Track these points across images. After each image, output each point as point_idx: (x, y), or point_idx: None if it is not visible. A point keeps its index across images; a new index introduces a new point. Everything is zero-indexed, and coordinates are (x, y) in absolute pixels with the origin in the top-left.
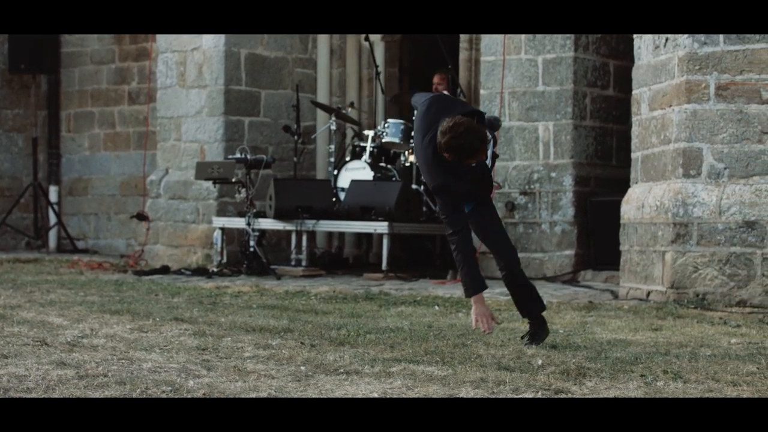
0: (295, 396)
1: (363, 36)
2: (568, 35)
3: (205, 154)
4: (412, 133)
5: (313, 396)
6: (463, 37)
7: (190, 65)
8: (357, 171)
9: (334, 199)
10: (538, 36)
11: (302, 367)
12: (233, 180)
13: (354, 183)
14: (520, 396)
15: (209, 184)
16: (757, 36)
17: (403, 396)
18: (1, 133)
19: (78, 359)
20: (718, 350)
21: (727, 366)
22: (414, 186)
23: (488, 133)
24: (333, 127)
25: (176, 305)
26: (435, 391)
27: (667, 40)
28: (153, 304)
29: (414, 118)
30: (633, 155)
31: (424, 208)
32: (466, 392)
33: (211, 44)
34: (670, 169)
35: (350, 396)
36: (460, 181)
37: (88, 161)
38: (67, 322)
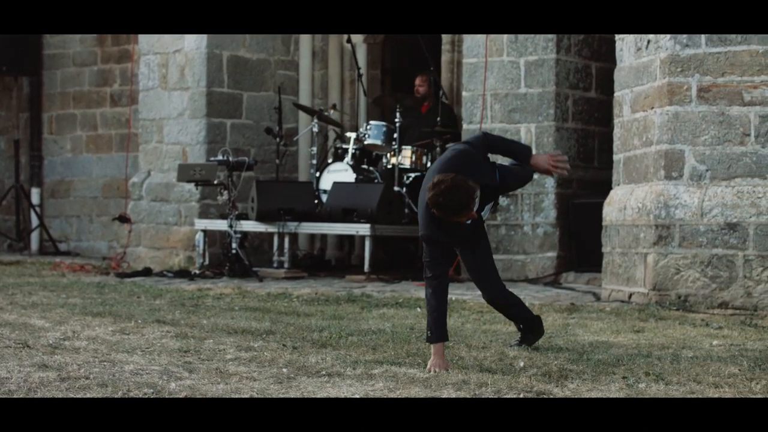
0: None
1: (345, 38)
2: (550, 37)
3: (187, 156)
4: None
5: (295, 398)
6: (445, 39)
7: (172, 67)
8: (339, 173)
9: (316, 201)
10: (520, 38)
11: (284, 369)
12: (215, 182)
13: (336, 185)
14: (501, 397)
15: (191, 186)
16: (739, 38)
17: (386, 397)
18: None
19: (60, 361)
20: (699, 352)
21: (709, 368)
22: (396, 188)
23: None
24: (315, 129)
25: (158, 307)
26: (417, 393)
27: (648, 42)
28: (135, 306)
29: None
30: (615, 157)
31: (406, 210)
32: (448, 394)
33: (193, 46)
34: (652, 171)
35: (332, 397)
36: (449, 236)
37: (70, 163)
38: (49, 325)
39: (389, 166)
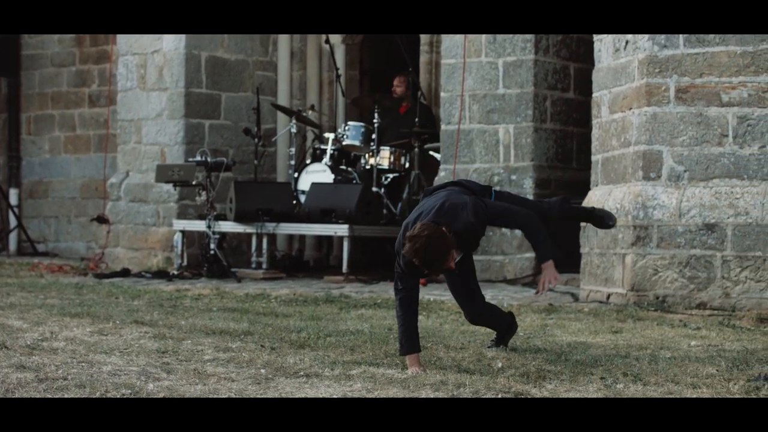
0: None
1: (323, 38)
2: (528, 38)
3: (165, 157)
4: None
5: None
6: (424, 40)
7: (150, 68)
8: (317, 174)
9: (294, 202)
10: (499, 38)
11: (262, 370)
12: (194, 183)
13: (314, 186)
14: (479, 398)
15: (170, 186)
16: (717, 39)
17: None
18: None
19: (38, 362)
20: (677, 352)
21: (687, 368)
22: (374, 189)
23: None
24: (293, 130)
25: (136, 308)
26: (395, 393)
27: (627, 43)
28: (113, 307)
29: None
30: (593, 158)
31: (385, 211)
32: (426, 395)
33: (171, 47)
34: (630, 171)
35: (310, 398)
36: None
37: (49, 164)
38: (27, 325)
39: (367, 167)
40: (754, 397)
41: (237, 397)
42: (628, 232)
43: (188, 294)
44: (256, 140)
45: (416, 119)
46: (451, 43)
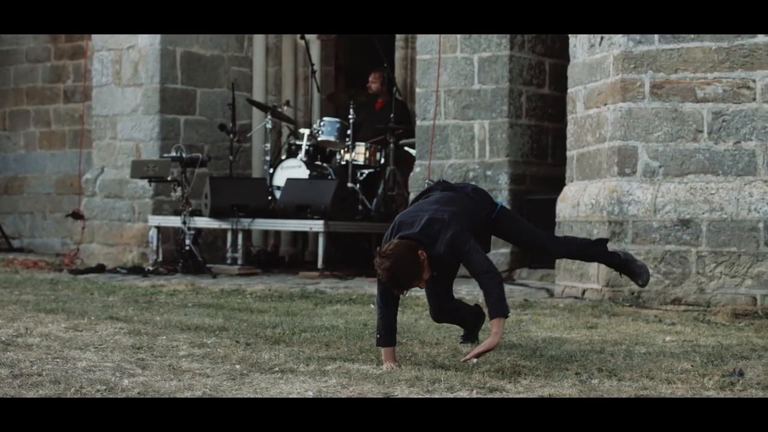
0: (230, 395)
1: (299, 34)
2: (503, 34)
3: (140, 153)
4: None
5: (249, 395)
6: (399, 36)
7: (125, 63)
8: (293, 169)
9: (269, 198)
10: (474, 34)
11: (237, 366)
12: (169, 178)
13: (290, 181)
14: (455, 395)
15: (145, 182)
16: (692, 34)
17: (338, 394)
18: None
19: (12, 358)
20: (652, 348)
21: (662, 364)
22: (350, 184)
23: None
24: (269, 126)
25: (111, 304)
26: (370, 389)
27: (602, 38)
28: (88, 302)
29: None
30: (568, 153)
31: (360, 207)
32: (401, 391)
33: (146, 42)
34: (605, 167)
35: (285, 395)
36: None
37: (24, 160)
38: (1, 321)
39: (343, 163)
40: (740, 397)
41: (212, 393)
42: (603, 228)
43: (163, 290)
44: (232, 136)
45: (391, 115)
46: (426, 39)
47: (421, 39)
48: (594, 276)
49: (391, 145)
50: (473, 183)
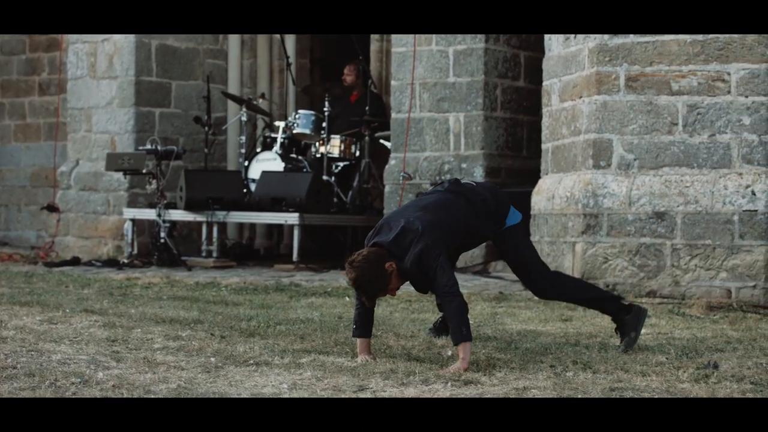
0: (205, 388)
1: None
2: None
3: (115, 145)
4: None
5: (223, 388)
6: None
7: (100, 56)
8: (268, 162)
9: (244, 190)
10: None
11: (212, 359)
12: (144, 171)
13: (265, 174)
14: (429, 387)
15: (120, 175)
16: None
17: (313, 387)
18: None
19: None
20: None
21: (637, 356)
22: (325, 177)
23: None
24: (244, 119)
25: (86, 297)
26: (345, 382)
27: None
28: (63, 295)
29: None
30: (543, 146)
31: (335, 200)
32: (376, 383)
33: (121, 35)
34: (580, 160)
35: (259, 387)
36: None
37: None
38: None
39: (318, 155)
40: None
41: (187, 385)
42: (578, 221)
43: (138, 282)
44: (207, 129)
45: (366, 108)
46: None
47: None
48: (569, 269)
49: (366, 138)
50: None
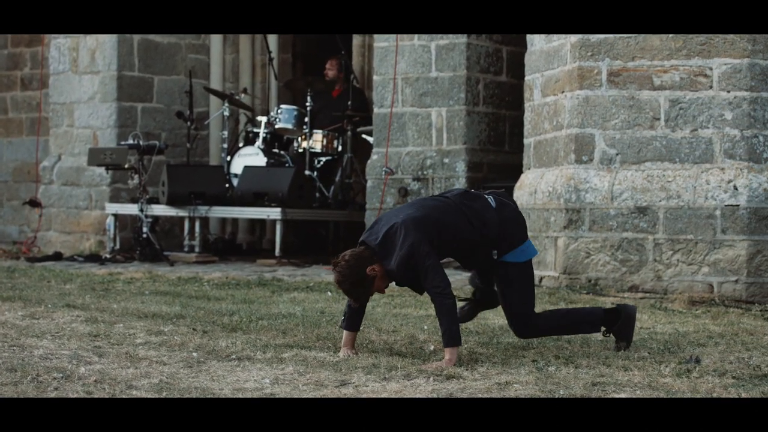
0: (187, 383)
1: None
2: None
3: (98, 140)
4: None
5: (206, 383)
6: None
7: (82, 51)
8: (250, 157)
9: (227, 185)
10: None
11: (194, 354)
12: (126, 166)
13: (247, 169)
14: (411, 382)
15: (102, 170)
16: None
17: (295, 382)
18: None
19: None
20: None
21: (618, 350)
22: (307, 172)
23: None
24: (226, 113)
25: (68, 292)
26: (327, 377)
27: None
28: (45, 290)
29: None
30: (526, 141)
31: (317, 194)
32: (358, 378)
33: None
34: (562, 155)
35: (242, 382)
36: None
37: None
38: None
39: (300, 150)
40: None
41: (169, 380)
42: (561, 216)
43: (120, 277)
44: (189, 123)
45: (349, 102)
46: None
47: None
48: (551, 263)
49: (349, 133)
50: (428, 169)
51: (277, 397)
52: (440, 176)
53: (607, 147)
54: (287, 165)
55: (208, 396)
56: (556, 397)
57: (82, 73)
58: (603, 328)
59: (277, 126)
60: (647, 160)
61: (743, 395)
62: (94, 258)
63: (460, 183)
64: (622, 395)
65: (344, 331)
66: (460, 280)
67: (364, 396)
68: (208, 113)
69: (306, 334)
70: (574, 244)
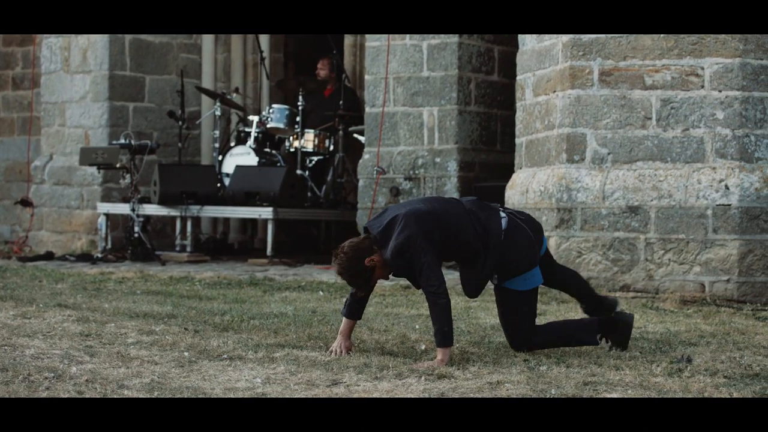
0: (178, 383)
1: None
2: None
3: (89, 140)
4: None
5: (197, 382)
6: None
7: (74, 50)
8: (242, 156)
9: (218, 185)
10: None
11: (186, 353)
12: (118, 165)
13: (239, 168)
14: (403, 382)
15: (94, 169)
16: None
17: (287, 381)
18: None
19: None
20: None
21: (608, 352)
22: (299, 171)
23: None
24: (218, 113)
25: (60, 291)
26: (318, 376)
27: None
28: (37, 290)
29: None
30: (517, 140)
31: (309, 194)
32: (350, 377)
33: None
34: (554, 154)
35: (233, 382)
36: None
37: None
38: None
39: (292, 150)
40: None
41: (160, 380)
42: (552, 215)
43: (112, 277)
44: (181, 123)
45: (340, 102)
46: None
47: None
48: None
49: (340, 132)
50: (420, 169)
51: (268, 396)
52: (432, 176)
53: (598, 146)
54: (279, 164)
55: (200, 396)
56: (548, 396)
57: (74, 73)
58: (599, 335)
59: (268, 125)
60: (639, 160)
61: (735, 395)
62: (85, 257)
63: (452, 182)
64: (614, 395)
65: (343, 319)
66: (452, 279)
67: (356, 396)
68: (199, 113)
69: (297, 333)
70: (565, 244)
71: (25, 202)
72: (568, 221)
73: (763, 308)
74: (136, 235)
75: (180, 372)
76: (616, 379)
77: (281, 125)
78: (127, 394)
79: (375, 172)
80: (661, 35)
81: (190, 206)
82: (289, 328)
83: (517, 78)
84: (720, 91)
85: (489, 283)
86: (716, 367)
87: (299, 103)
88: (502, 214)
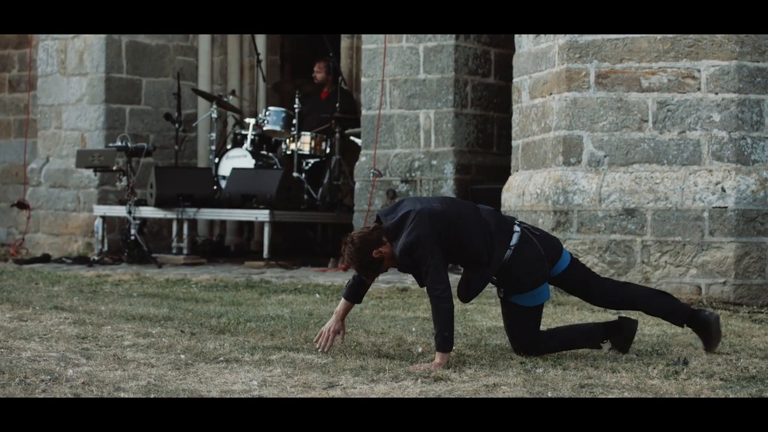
0: (175, 385)
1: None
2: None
3: (86, 142)
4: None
5: (193, 385)
6: None
7: (70, 53)
8: (238, 159)
9: (215, 187)
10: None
11: (182, 356)
12: (114, 168)
13: (235, 171)
14: (399, 384)
15: (90, 172)
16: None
17: (283, 384)
18: None
19: None
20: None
21: (607, 353)
22: (295, 174)
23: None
24: (214, 115)
25: (56, 294)
26: (315, 379)
27: None
28: (33, 292)
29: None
30: (514, 143)
31: (305, 196)
32: (346, 380)
33: None
34: (550, 156)
35: (230, 384)
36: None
37: None
38: None
39: (288, 152)
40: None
41: (156, 382)
42: (549, 217)
43: (108, 279)
44: (177, 125)
45: (337, 104)
46: None
47: None
48: None
49: (337, 135)
50: (416, 171)
51: (264, 397)
52: (428, 178)
53: (595, 149)
54: (275, 167)
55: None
56: (544, 398)
57: (70, 75)
58: (601, 337)
59: (265, 128)
60: (635, 162)
61: (731, 397)
62: (82, 260)
63: (448, 185)
64: (610, 397)
65: (342, 299)
66: (455, 280)
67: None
68: (196, 115)
69: (294, 336)
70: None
71: (22, 205)
72: (564, 224)
73: (760, 311)
74: (132, 237)
75: (176, 374)
76: (613, 381)
77: (278, 128)
78: (124, 396)
79: (371, 174)
80: (658, 38)
81: (186, 209)
82: (286, 331)
83: (514, 80)
84: (716, 94)
85: (486, 288)
86: (713, 369)
87: (296, 106)
88: (516, 228)
